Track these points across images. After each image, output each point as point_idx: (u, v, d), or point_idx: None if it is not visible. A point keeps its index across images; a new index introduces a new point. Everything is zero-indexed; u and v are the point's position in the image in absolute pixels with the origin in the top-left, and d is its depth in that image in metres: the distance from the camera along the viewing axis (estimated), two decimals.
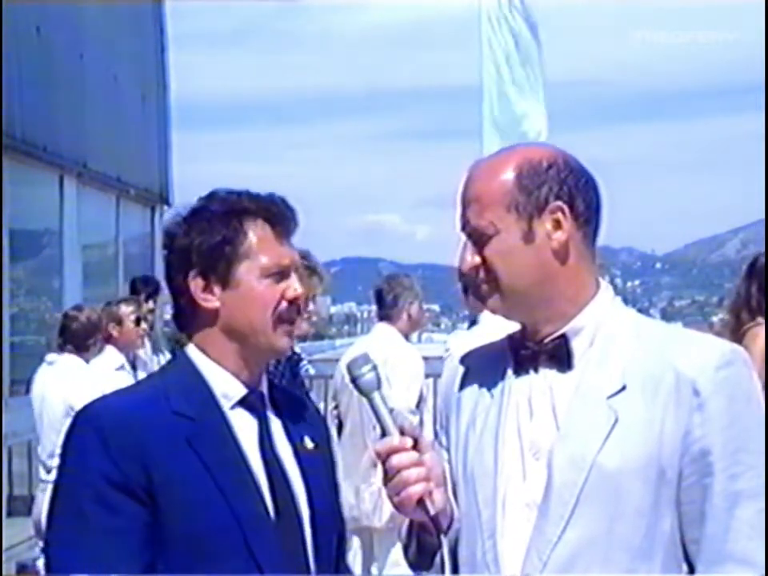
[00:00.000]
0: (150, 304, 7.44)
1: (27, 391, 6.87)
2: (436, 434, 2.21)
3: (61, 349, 6.42)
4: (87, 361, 6.38)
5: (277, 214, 2.15)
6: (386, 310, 6.07)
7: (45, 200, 10.71)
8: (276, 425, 2.17)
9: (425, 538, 2.05)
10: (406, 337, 6.15)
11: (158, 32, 14.13)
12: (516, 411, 2.02)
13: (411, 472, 1.93)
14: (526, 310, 2.04)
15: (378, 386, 2.01)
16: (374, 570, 6.18)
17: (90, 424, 2.06)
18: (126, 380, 6.06)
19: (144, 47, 13.60)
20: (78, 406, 5.84)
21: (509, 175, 2.00)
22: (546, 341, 2.02)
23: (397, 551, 5.75)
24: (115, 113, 12.01)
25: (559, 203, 1.99)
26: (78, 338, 6.34)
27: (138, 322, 6.68)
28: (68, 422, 6.07)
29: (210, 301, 2.11)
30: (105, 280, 11.44)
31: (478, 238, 2.01)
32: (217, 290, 2.11)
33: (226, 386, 2.12)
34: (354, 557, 5.97)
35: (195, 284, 2.11)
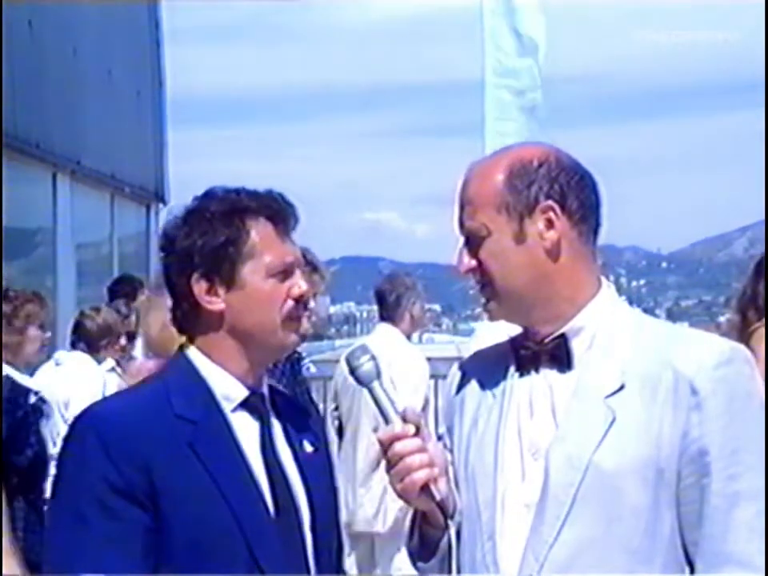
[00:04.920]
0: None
1: None
2: (439, 437, 2.18)
3: (73, 346, 6.38)
4: (99, 362, 6.34)
5: (278, 211, 2.12)
6: (389, 311, 5.99)
7: (38, 198, 10.63)
8: (276, 427, 2.16)
9: (428, 530, 2.06)
10: (408, 337, 6.07)
11: (153, 26, 14.07)
12: (517, 411, 2.02)
13: (414, 458, 1.93)
14: (523, 312, 2.03)
15: (378, 376, 2.01)
16: (377, 572, 6.06)
17: (91, 427, 2.02)
18: (114, 382, 6.03)
19: (139, 42, 13.54)
20: (56, 398, 5.56)
21: (499, 176, 2.00)
22: (546, 341, 2.02)
23: (400, 558, 5.60)
24: (109, 109, 11.92)
25: (549, 202, 1.99)
26: (92, 338, 6.32)
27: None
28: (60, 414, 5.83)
29: (215, 303, 2.08)
30: (99, 279, 11.32)
31: (473, 240, 2.02)
32: (221, 291, 2.08)
33: (228, 388, 2.10)
34: (351, 568, 5.82)
35: (199, 286, 2.08)
